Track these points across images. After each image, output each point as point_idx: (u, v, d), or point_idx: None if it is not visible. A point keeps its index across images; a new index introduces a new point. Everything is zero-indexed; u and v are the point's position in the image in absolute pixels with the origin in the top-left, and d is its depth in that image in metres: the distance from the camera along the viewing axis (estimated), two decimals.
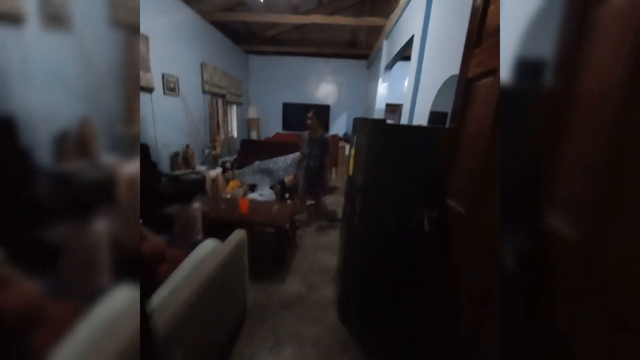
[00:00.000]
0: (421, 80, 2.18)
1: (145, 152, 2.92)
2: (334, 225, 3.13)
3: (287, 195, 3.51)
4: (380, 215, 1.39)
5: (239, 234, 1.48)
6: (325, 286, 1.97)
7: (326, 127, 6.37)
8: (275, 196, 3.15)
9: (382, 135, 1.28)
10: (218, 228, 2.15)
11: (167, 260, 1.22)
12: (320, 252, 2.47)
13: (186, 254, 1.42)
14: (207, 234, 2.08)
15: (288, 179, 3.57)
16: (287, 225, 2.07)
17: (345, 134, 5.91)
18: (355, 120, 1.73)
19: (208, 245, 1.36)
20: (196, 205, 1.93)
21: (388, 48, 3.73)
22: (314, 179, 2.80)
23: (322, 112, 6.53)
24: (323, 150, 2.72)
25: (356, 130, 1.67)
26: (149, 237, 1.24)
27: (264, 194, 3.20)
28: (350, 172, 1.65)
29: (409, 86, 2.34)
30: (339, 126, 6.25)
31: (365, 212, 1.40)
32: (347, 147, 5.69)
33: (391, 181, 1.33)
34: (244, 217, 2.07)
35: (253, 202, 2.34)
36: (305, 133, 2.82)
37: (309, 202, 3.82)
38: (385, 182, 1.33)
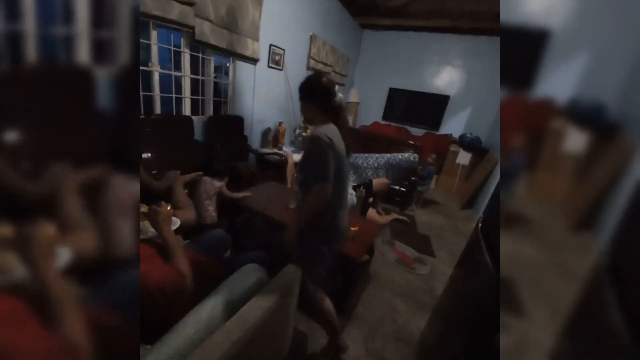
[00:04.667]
0: None
1: (238, 125, 2.87)
2: (423, 262, 2.34)
3: (370, 200, 2.88)
4: None
5: (291, 272, 1.03)
6: None
7: (436, 123, 5.07)
8: (356, 201, 2.57)
9: None
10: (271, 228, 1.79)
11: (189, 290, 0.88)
12: (399, 300, 1.78)
13: (220, 269, 1.10)
14: (221, 218, 1.90)
15: (377, 182, 2.91)
16: (363, 258, 1.48)
17: (462, 137, 4.53)
18: None
19: (252, 273, 0.96)
20: (216, 183, 1.80)
21: None
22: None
23: (437, 104, 5.20)
24: (306, 175, 1.09)
25: None
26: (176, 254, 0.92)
27: None
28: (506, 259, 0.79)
29: None
30: (456, 124, 4.91)
31: None
32: (461, 153, 4.38)
33: None
34: None
35: None
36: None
37: (394, 218, 3.09)
38: None
